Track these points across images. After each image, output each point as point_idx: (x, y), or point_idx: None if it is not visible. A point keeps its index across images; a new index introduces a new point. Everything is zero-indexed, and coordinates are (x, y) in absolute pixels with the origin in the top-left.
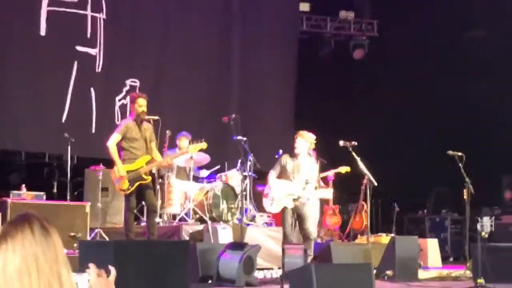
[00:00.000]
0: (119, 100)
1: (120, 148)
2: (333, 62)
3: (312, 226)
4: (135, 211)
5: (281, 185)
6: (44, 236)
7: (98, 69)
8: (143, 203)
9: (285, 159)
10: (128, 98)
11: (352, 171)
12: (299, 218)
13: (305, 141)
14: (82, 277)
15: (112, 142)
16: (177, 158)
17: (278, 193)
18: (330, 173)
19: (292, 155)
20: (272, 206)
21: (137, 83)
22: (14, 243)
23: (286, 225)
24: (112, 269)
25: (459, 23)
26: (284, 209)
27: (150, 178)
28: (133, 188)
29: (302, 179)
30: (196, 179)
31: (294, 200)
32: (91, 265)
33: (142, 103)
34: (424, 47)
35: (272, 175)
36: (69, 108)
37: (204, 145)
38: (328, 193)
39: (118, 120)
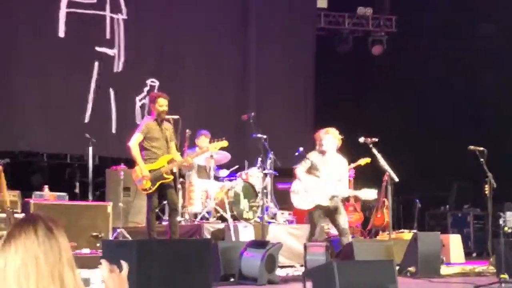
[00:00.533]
0: (140, 100)
1: (141, 147)
2: (352, 58)
3: (346, 221)
4: (156, 210)
5: (315, 181)
6: (48, 237)
7: (118, 69)
8: (165, 202)
9: (314, 155)
10: (148, 97)
11: (372, 167)
12: (334, 214)
13: (334, 137)
14: (95, 273)
15: (134, 142)
16: (197, 157)
17: (312, 190)
18: (351, 167)
19: (320, 151)
20: (304, 202)
21: (156, 83)
22: (16, 244)
23: (317, 223)
24: (125, 265)
25: (477, 17)
26: (316, 207)
27: (171, 177)
28: (155, 188)
29: (333, 177)
30: (217, 178)
31: (331, 198)
32: (103, 261)
33: (162, 103)
34: (443, 42)
35: (301, 170)
36: (91, 108)
37: (225, 143)
38: (373, 193)
39: (138, 120)
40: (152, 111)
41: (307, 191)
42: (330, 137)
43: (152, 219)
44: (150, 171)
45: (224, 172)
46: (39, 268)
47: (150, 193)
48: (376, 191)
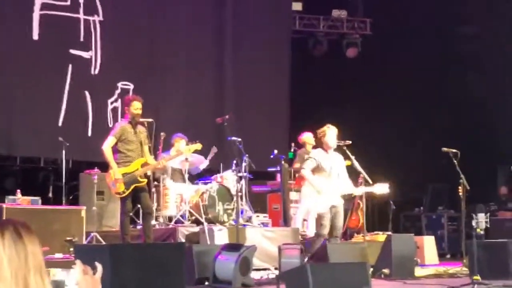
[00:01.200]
0: (111, 103)
1: (115, 150)
2: (327, 61)
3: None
4: (130, 214)
5: (326, 181)
6: (15, 241)
7: (95, 71)
8: (139, 206)
9: (319, 154)
10: (120, 101)
11: (347, 170)
12: (337, 214)
13: (334, 133)
14: (69, 274)
15: (107, 145)
16: (171, 160)
17: (325, 190)
18: None
19: (324, 148)
20: (319, 206)
21: (131, 86)
22: None
23: (329, 224)
24: (99, 266)
25: (452, 19)
26: (331, 207)
27: (145, 180)
28: (128, 191)
29: (339, 175)
30: (193, 179)
31: (342, 196)
32: (77, 261)
33: (137, 106)
34: (417, 44)
35: (309, 172)
36: (65, 111)
37: (199, 146)
38: (385, 188)
39: (110, 123)
40: (126, 114)
41: (320, 193)
42: (334, 133)
43: (125, 223)
44: (123, 174)
45: (203, 165)
46: (1, 271)
47: (123, 196)
48: (388, 185)
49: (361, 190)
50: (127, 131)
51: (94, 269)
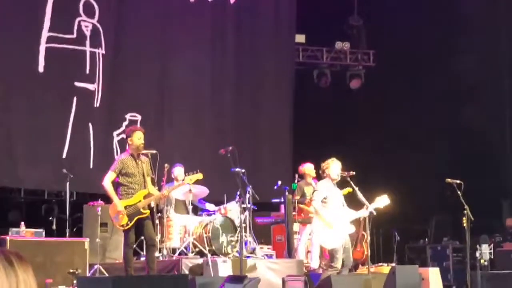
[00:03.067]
0: (118, 135)
1: (117, 184)
2: (330, 92)
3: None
4: (134, 246)
5: (334, 214)
6: (5, 268)
7: (97, 104)
8: (142, 237)
9: (326, 185)
10: (125, 132)
11: (351, 200)
12: (347, 248)
13: (338, 166)
14: None
15: (106, 181)
16: (175, 190)
17: (335, 223)
18: None
19: (330, 180)
20: (332, 241)
21: (138, 118)
22: None
23: (341, 257)
24: None
25: (456, 51)
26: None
27: (148, 212)
28: (132, 223)
29: (344, 204)
30: (197, 210)
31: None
32: None
33: (140, 136)
34: (420, 75)
35: (320, 204)
36: (69, 144)
37: (199, 176)
38: (386, 199)
39: (116, 155)
40: (128, 146)
41: (331, 226)
42: (338, 166)
43: (129, 255)
44: (126, 206)
45: (211, 206)
46: None
47: (127, 229)
48: (386, 195)
49: (365, 212)
50: (127, 164)
51: None
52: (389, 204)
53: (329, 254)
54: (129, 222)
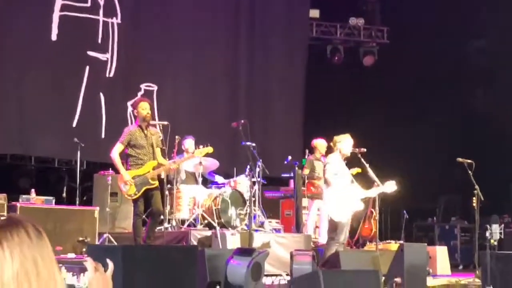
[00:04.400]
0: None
1: (126, 155)
2: (343, 68)
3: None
4: (143, 216)
5: (346, 188)
6: (40, 238)
7: (110, 74)
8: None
9: (337, 160)
10: (131, 105)
11: (361, 177)
12: (348, 222)
13: (351, 142)
14: (80, 277)
15: (114, 153)
16: (185, 162)
17: (345, 197)
18: None
19: (342, 155)
20: (341, 214)
21: (154, 88)
22: (11, 248)
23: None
24: (110, 264)
25: (466, 32)
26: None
27: (157, 183)
28: (140, 193)
29: (353, 181)
30: (207, 183)
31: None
32: (89, 259)
33: (145, 106)
34: (434, 54)
35: (333, 177)
36: (80, 113)
37: (210, 149)
38: (393, 185)
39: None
40: (137, 118)
41: (340, 199)
42: (350, 142)
43: (138, 225)
44: (135, 177)
45: (220, 178)
46: (39, 271)
47: (135, 198)
48: (394, 181)
49: (373, 192)
50: (135, 136)
51: (105, 267)
52: (395, 190)
53: (333, 226)
54: (136, 192)
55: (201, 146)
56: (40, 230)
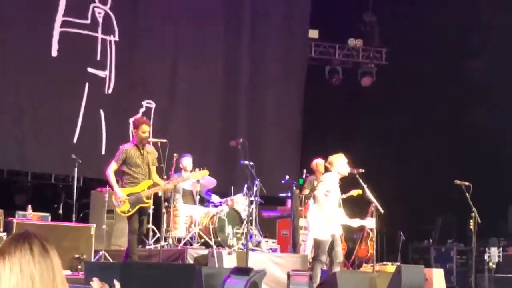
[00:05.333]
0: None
1: (122, 172)
2: (341, 89)
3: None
4: (137, 233)
5: (333, 209)
6: (43, 256)
7: (109, 91)
8: (148, 226)
9: (332, 179)
10: (132, 123)
11: (358, 198)
12: (334, 243)
13: (345, 162)
14: None
15: (109, 171)
16: (182, 182)
17: (330, 218)
18: (342, 197)
19: (337, 175)
20: (323, 233)
21: (153, 105)
22: (11, 262)
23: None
24: (117, 284)
25: (467, 51)
26: (331, 236)
27: (150, 202)
28: (134, 211)
29: (340, 204)
30: (204, 201)
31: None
32: (95, 279)
33: (145, 129)
34: (432, 75)
35: (323, 196)
36: (80, 129)
37: (206, 172)
38: (372, 222)
39: None
40: (134, 137)
41: (323, 219)
42: (344, 160)
43: (132, 242)
44: (129, 194)
45: (216, 198)
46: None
47: (129, 216)
48: (374, 219)
49: (355, 223)
50: (131, 154)
51: (111, 287)
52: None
53: (316, 244)
54: (130, 209)
55: (197, 169)
56: (46, 248)
